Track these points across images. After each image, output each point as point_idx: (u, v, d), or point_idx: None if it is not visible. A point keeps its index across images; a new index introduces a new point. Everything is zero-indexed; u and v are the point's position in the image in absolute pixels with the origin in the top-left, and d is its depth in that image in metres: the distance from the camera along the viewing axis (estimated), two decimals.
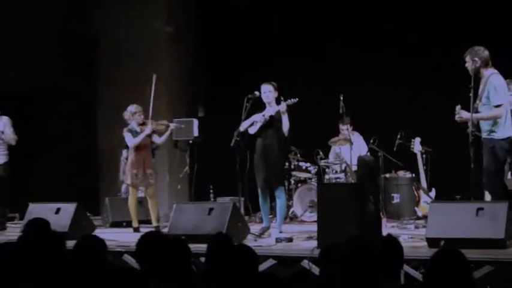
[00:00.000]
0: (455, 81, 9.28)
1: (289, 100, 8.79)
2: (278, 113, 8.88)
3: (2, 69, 12.39)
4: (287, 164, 11.16)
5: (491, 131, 7.80)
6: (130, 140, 9.93)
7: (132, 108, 10.03)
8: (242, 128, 9.02)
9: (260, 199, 9.14)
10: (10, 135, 10.21)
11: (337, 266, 4.27)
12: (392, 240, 4.79)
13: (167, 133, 10.11)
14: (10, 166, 10.31)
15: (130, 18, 13.01)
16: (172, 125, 10.18)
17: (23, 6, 12.56)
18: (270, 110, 8.99)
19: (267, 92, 8.99)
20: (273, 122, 8.93)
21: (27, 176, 12.68)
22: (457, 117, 7.95)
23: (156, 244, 4.60)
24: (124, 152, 11.43)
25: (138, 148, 9.94)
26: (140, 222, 10.09)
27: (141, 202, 10.33)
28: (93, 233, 9.25)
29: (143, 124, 9.97)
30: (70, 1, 13.17)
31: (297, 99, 8.77)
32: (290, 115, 8.84)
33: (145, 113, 10.00)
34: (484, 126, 7.88)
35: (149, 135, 9.94)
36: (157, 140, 10.10)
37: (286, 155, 9.93)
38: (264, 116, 8.96)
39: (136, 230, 9.88)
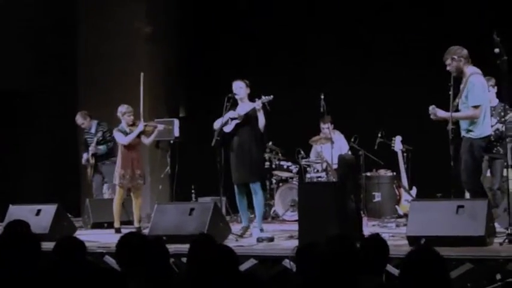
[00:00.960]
0: (435, 79, 9.30)
1: (263, 97, 8.75)
2: (253, 110, 8.84)
3: None
4: (268, 163, 11.17)
5: (469, 130, 7.87)
6: (123, 139, 9.93)
7: (122, 108, 10.02)
8: (216, 125, 9.00)
9: (237, 197, 9.08)
10: None
11: (315, 264, 4.27)
12: (378, 239, 4.80)
13: (154, 134, 10.10)
14: None
15: (111, 18, 12.96)
16: (160, 126, 10.18)
17: (3, 6, 12.51)
18: (244, 107, 8.96)
19: (238, 88, 8.96)
20: (248, 119, 8.90)
21: (6, 177, 12.60)
22: (432, 116, 8.01)
23: (135, 245, 4.58)
24: (84, 154, 11.46)
25: (127, 148, 9.93)
26: (121, 223, 10.07)
27: (123, 203, 10.30)
28: (74, 234, 9.25)
29: (133, 125, 9.97)
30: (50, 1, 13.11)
31: (272, 96, 8.73)
32: (267, 113, 8.81)
33: (135, 112, 10.01)
34: (463, 125, 7.95)
35: (138, 136, 9.93)
36: (145, 140, 10.09)
37: (263, 151, 9.89)
38: (238, 114, 8.93)
39: (118, 230, 9.85)
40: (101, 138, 11.25)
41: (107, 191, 11.48)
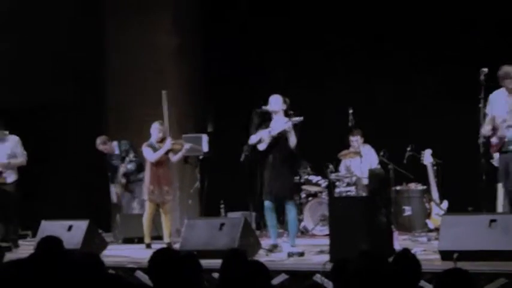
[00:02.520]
0: (465, 92, 9.27)
1: (294, 118, 8.75)
2: (282, 131, 8.84)
3: (10, 85, 12.45)
4: (297, 178, 11.14)
5: None
6: (151, 155, 10.01)
7: (156, 124, 10.15)
8: (251, 142, 9.00)
9: (266, 213, 9.04)
10: (20, 159, 10.24)
11: (349, 280, 4.25)
12: (408, 255, 4.76)
13: (182, 152, 10.18)
14: (21, 183, 10.32)
15: (137, 31, 13.03)
16: (187, 145, 10.24)
17: (32, 18, 12.64)
18: (277, 125, 8.95)
19: (274, 101, 8.95)
20: (281, 137, 8.87)
21: (38, 193, 12.71)
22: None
23: (168, 260, 4.59)
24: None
25: (155, 164, 10.02)
26: (151, 238, 10.10)
27: (152, 219, 10.34)
28: (105, 250, 9.33)
29: (161, 141, 10.05)
30: (77, 13, 13.21)
31: (302, 118, 8.72)
32: (297, 131, 8.80)
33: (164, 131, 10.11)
34: None
35: (166, 153, 10.00)
36: (173, 158, 10.19)
37: (296, 169, 9.88)
38: (270, 133, 8.90)
39: (148, 246, 9.90)
40: (125, 155, 11.28)
41: (137, 206, 11.53)
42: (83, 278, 4.35)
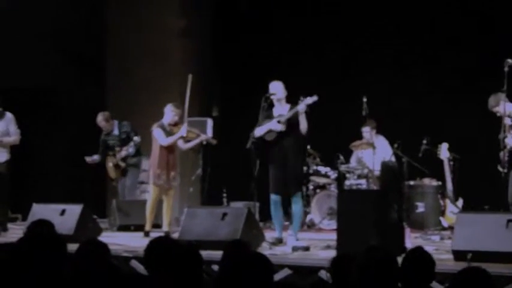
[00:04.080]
0: (485, 85, 9.22)
1: (308, 98, 8.63)
2: (294, 114, 8.74)
3: (8, 65, 12.43)
4: (305, 168, 11.10)
5: None
6: (163, 139, 9.95)
7: (172, 106, 10.06)
8: (257, 133, 8.91)
9: (272, 206, 9.01)
10: (13, 137, 10.19)
11: (353, 276, 4.21)
12: (422, 253, 4.71)
13: (195, 142, 10.12)
14: (12, 164, 10.29)
15: (141, 12, 12.99)
16: (203, 136, 10.19)
17: (30, 3, 12.65)
18: (281, 110, 8.87)
19: (278, 88, 8.88)
20: (290, 125, 8.80)
21: (30, 175, 12.70)
22: None
23: (165, 250, 4.56)
24: (95, 156, 11.29)
25: (165, 148, 9.99)
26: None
27: None
28: (99, 237, 9.30)
29: (175, 125, 9.97)
30: None
31: (316, 97, 8.63)
32: (308, 115, 8.72)
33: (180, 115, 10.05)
34: None
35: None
36: (182, 145, 10.12)
37: (304, 159, 9.84)
38: (279, 122, 8.82)
39: (146, 234, 9.86)
40: (125, 137, 11.16)
41: (135, 191, 11.51)
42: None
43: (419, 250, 4.87)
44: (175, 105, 10.08)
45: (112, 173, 11.39)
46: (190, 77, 10.13)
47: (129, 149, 11.19)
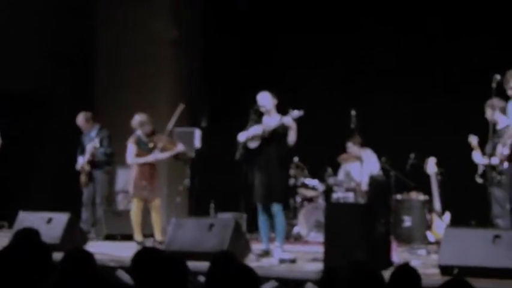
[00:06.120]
0: (473, 100, 9.24)
1: (294, 112, 8.58)
2: (281, 126, 8.70)
3: None
4: (293, 180, 11.07)
5: None
6: (131, 157, 9.94)
7: (141, 117, 9.98)
8: (241, 138, 8.86)
9: (259, 217, 8.93)
10: None
11: None
12: (408, 269, 4.69)
13: (170, 153, 10.10)
14: None
15: (131, 20, 12.98)
16: (180, 147, 10.16)
17: (20, 5, 12.59)
18: (270, 120, 8.84)
19: (265, 99, 8.83)
20: (274, 136, 8.74)
21: (17, 183, 12.61)
22: None
23: (152, 260, 4.53)
24: (80, 158, 11.21)
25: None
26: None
27: None
28: (86, 246, 9.24)
29: (152, 135, 9.91)
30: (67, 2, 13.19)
31: (302, 111, 8.59)
32: (296, 127, 8.68)
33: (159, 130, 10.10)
34: None
35: (153, 147, 9.92)
36: (158, 155, 10.04)
37: (287, 171, 9.74)
38: (264, 130, 8.79)
39: (140, 244, 9.75)
40: (97, 145, 10.98)
41: (122, 200, 11.45)
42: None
43: (405, 266, 4.85)
44: (144, 116, 10.01)
45: (81, 177, 11.27)
46: (181, 106, 10.15)
47: (99, 151, 11.00)
